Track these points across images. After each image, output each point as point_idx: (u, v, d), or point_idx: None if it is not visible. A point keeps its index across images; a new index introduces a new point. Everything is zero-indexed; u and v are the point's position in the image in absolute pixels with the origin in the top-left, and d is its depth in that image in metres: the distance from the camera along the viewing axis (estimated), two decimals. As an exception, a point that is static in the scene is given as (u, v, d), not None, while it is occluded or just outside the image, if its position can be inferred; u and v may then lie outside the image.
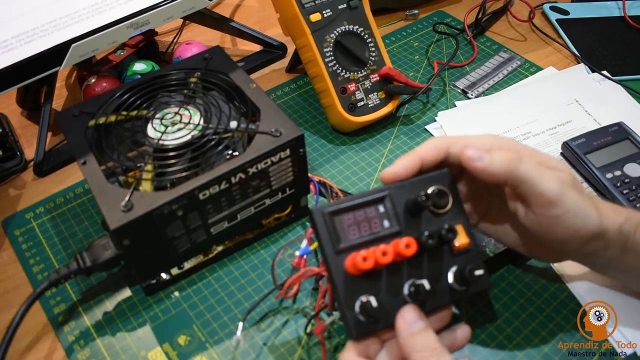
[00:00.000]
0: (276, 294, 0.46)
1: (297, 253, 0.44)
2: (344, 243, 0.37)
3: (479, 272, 0.38)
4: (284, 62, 0.73)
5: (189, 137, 0.47)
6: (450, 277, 0.38)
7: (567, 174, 0.39)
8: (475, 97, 0.67)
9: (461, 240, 0.39)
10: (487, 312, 0.46)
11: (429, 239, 0.36)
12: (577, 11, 0.81)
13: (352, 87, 0.60)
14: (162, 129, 0.48)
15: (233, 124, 0.48)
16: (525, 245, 0.43)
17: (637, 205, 0.52)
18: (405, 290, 0.37)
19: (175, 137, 0.47)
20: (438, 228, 0.37)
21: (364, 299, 0.36)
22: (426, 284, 0.36)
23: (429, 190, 0.38)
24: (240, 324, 0.44)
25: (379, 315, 0.35)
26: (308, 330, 0.45)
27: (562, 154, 0.59)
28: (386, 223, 0.38)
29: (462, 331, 0.39)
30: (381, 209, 0.38)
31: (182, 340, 0.45)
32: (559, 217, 0.37)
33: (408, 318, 0.35)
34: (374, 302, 0.35)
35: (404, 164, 0.40)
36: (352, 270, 0.36)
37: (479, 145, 0.39)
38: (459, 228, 0.39)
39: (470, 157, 0.38)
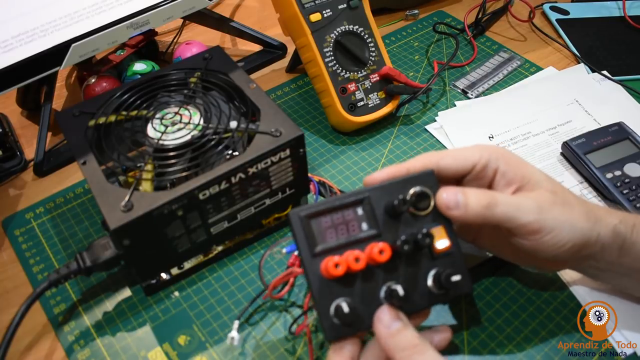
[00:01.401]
0: (264, 295, 0.46)
1: (284, 250, 0.44)
2: (320, 246, 0.36)
3: (456, 277, 0.37)
4: (284, 62, 0.73)
5: (189, 137, 0.47)
6: (430, 281, 0.38)
7: (546, 192, 0.39)
8: (475, 97, 0.67)
9: (441, 243, 0.38)
10: (487, 312, 0.46)
11: (405, 244, 0.36)
12: (577, 11, 0.81)
13: (352, 87, 0.60)
14: (162, 129, 0.48)
15: (233, 124, 0.48)
16: (523, 259, 0.43)
17: (637, 205, 0.52)
18: (382, 294, 0.37)
19: (175, 137, 0.47)
20: (415, 232, 0.37)
21: (338, 302, 0.36)
22: (400, 289, 0.36)
23: (409, 194, 0.38)
24: (236, 322, 0.44)
25: (353, 320, 0.35)
26: (292, 329, 0.45)
27: (562, 154, 0.59)
28: (364, 226, 0.37)
29: (440, 337, 0.39)
30: (360, 211, 0.38)
31: (182, 340, 0.45)
32: (544, 238, 0.38)
33: (384, 319, 0.35)
34: (345, 307, 0.35)
35: (389, 172, 0.40)
36: (327, 274, 0.36)
37: (460, 161, 0.40)
38: (440, 230, 0.38)
39: (446, 205, 0.38)
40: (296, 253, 0.48)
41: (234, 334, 0.44)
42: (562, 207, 0.38)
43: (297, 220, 0.37)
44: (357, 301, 0.36)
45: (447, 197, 0.38)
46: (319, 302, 0.36)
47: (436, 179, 0.39)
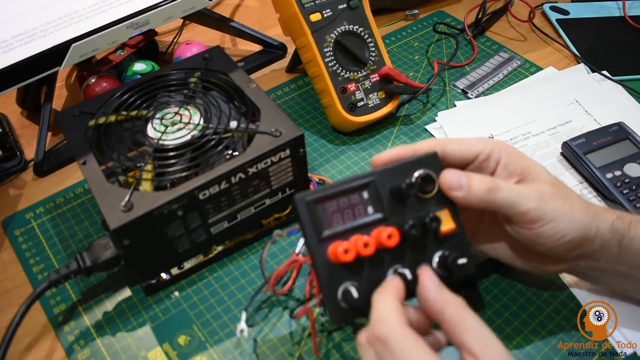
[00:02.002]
0: (265, 288, 0.45)
1: (286, 232, 0.44)
2: (327, 231, 0.36)
3: (462, 260, 0.38)
4: (284, 62, 0.73)
5: (188, 137, 0.47)
6: (435, 263, 0.38)
7: (546, 184, 0.39)
8: (475, 97, 0.67)
9: (447, 225, 0.38)
10: (487, 312, 0.46)
11: (412, 228, 0.36)
12: (577, 11, 0.81)
13: (352, 87, 0.60)
14: (162, 129, 0.48)
15: (233, 124, 0.48)
16: (521, 258, 0.43)
17: (637, 205, 0.52)
18: (389, 277, 0.37)
19: (175, 137, 0.47)
20: (422, 216, 0.37)
21: (345, 287, 0.36)
22: (408, 273, 0.36)
23: (414, 177, 0.38)
24: (244, 314, 0.44)
25: (361, 304, 0.35)
26: (294, 313, 0.44)
27: (562, 154, 0.59)
28: (370, 209, 0.38)
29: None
30: (365, 195, 0.38)
31: (182, 340, 0.45)
32: (542, 228, 0.38)
33: (427, 275, 0.35)
34: (354, 292, 0.35)
35: (396, 152, 0.40)
36: (335, 259, 0.36)
37: (465, 149, 0.40)
38: (445, 213, 0.39)
39: (449, 186, 0.38)
40: (297, 250, 0.48)
41: (242, 325, 0.43)
42: (563, 199, 0.39)
43: (303, 205, 0.36)
44: (364, 284, 0.36)
45: (451, 178, 0.38)
46: (326, 286, 0.36)
47: (440, 160, 0.40)
